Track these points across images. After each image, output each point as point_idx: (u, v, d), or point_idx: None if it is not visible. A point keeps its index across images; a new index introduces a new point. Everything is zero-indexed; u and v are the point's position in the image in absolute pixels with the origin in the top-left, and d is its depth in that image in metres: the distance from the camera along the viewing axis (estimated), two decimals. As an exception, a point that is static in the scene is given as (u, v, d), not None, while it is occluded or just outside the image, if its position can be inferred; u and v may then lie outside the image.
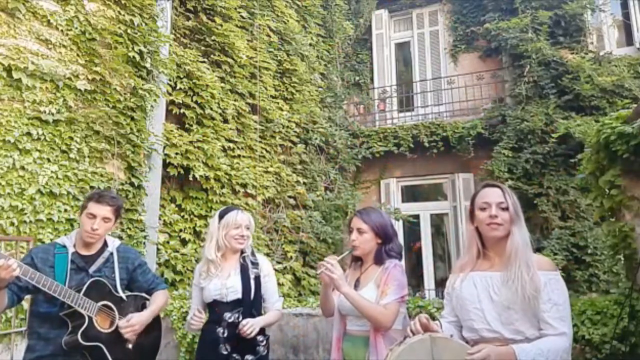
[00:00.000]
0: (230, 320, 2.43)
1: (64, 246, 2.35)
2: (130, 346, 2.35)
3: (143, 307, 2.49)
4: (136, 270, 2.53)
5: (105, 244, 2.47)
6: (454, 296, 1.93)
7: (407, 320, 2.34)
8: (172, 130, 5.23)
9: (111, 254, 2.45)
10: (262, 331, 2.50)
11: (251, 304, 2.52)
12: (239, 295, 2.49)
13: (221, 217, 2.61)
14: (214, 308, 2.52)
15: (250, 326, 2.37)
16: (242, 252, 2.64)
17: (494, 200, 1.87)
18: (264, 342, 2.49)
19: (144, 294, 2.53)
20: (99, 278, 2.33)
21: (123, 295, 2.42)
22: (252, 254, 2.68)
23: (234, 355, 2.40)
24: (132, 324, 2.33)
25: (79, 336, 2.17)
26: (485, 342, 1.75)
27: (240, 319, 2.43)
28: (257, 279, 2.58)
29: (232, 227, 2.56)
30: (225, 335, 2.42)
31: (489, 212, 1.85)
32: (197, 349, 2.67)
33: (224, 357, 2.40)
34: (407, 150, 8.12)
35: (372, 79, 9.57)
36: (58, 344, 2.19)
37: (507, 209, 1.85)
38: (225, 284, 2.51)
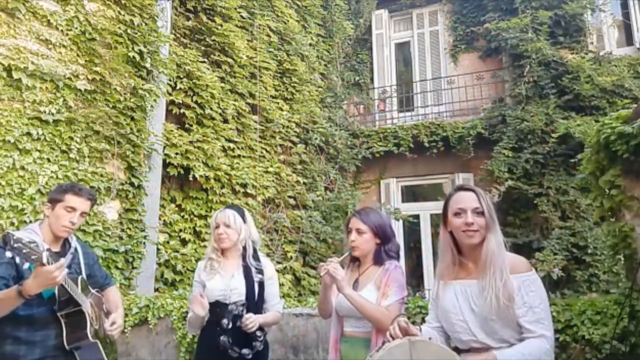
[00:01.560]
0: (235, 313, 2.43)
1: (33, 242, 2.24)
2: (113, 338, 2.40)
3: (100, 301, 2.45)
4: (95, 265, 2.50)
5: (66, 239, 2.35)
6: (437, 305, 1.91)
7: None
8: (172, 130, 5.23)
9: (76, 249, 2.37)
10: (260, 328, 2.50)
11: (255, 306, 2.52)
12: (242, 298, 2.49)
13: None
14: (216, 309, 2.51)
15: (252, 321, 2.39)
16: (244, 249, 2.63)
17: (469, 205, 1.79)
18: (262, 338, 2.48)
19: (98, 289, 2.49)
20: (80, 275, 2.29)
21: (94, 291, 2.40)
22: (256, 257, 2.65)
23: (234, 347, 2.39)
24: (120, 324, 2.38)
25: (88, 333, 2.16)
26: (474, 352, 1.74)
27: (244, 312, 2.43)
28: (262, 284, 2.59)
29: (214, 227, 2.61)
30: (230, 327, 2.41)
31: (465, 218, 1.78)
32: (196, 350, 2.67)
33: (222, 349, 2.39)
34: (407, 150, 8.12)
35: (372, 79, 9.57)
36: (47, 346, 2.11)
37: (482, 213, 1.79)
38: (229, 285, 2.51)
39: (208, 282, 2.55)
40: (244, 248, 2.62)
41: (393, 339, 1.65)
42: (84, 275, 2.35)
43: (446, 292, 1.86)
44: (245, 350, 2.41)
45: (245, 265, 2.58)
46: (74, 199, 2.22)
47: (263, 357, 2.55)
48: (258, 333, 2.46)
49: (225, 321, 2.41)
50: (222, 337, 2.39)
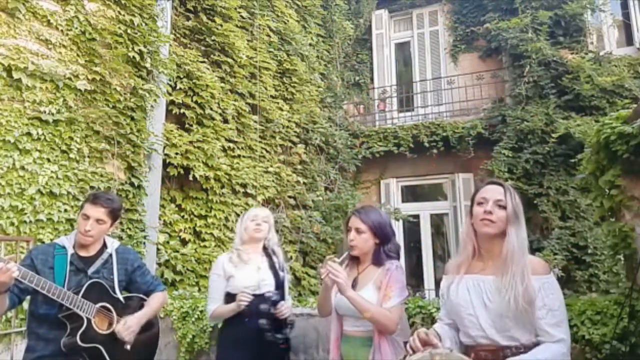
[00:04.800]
0: (274, 299, 2.65)
1: (64, 247, 2.33)
2: (128, 347, 2.35)
3: (141, 308, 2.48)
4: (135, 271, 2.52)
5: (104, 245, 2.45)
6: (448, 300, 1.90)
7: (405, 322, 2.35)
8: (172, 130, 5.23)
9: (110, 255, 2.44)
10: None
11: (282, 296, 2.79)
12: (272, 288, 2.74)
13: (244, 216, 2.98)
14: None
15: (286, 307, 2.68)
16: (265, 247, 2.90)
17: (492, 196, 1.81)
18: (292, 325, 2.74)
19: (142, 296, 2.53)
20: (97, 280, 2.32)
21: (121, 297, 2.41)
22: (276, 253, 2.93)
23: (271, 331, 2.59)
24: (129, 325, 2.34)
25: (77, 338, 2.18)
26: (481, 348, 1.74)
27: (278, 299, 2.69)
28: (284, 278, 2.88)
29: (248, 220, 2.87)
30: (269, 311, 2.61)
31: (485, 207, 1.80)
32: (221, 339, 2.81)
33: (260, 332, 2.57)
34: (407, 150, 8.11)
35: (372, 79, 9.56)
36: (58, 344, 2.19)
37: (504, 207, 1.79)
38: (258, 277, 2.73)
39: (236, 273, 2.73)
40: (268, 245, 2.92)
41: (414, 351, 1.62)
42: (115, 280, 2.39)
43: (458, 286, 1.85)
44: (278, 335, 2.62)
45: (270, 260, 2.85)
46: (87, 207, 2.32)
47: (290, 342, 2.79)
48: (289, 320, 2.72)
49: (265, 306, 2.60)
50: (260, 320, 2.57)
